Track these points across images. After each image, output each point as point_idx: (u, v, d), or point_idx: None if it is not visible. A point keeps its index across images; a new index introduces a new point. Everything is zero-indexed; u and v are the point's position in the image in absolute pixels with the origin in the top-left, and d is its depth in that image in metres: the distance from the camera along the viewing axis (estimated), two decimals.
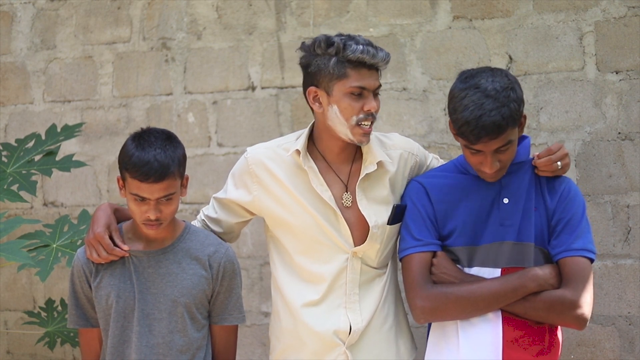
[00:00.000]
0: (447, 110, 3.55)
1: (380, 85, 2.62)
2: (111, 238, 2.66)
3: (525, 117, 2.57)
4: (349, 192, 2.69)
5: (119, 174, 2.63)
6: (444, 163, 2.83)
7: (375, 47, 2.58)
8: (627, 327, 3.41)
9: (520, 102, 2.51)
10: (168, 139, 2.60)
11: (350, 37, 2.59)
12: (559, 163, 2.61)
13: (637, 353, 3.40)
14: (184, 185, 2.65)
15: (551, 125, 3.45)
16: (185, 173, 2.65)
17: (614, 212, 3.40)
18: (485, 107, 2.44)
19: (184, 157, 2.63)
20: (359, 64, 2.56)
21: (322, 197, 2.66)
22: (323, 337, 2.67)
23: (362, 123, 2.59)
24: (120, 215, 2.75)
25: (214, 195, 2.85)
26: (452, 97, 2.53)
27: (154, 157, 2.53)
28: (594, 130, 3.43)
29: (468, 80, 2.52)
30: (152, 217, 2.57)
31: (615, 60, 3.41)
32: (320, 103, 2.63)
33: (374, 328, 2.70)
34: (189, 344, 2.66)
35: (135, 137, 2.59)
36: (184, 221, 2.76)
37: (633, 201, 3.39)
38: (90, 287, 2.69)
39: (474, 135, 2.46)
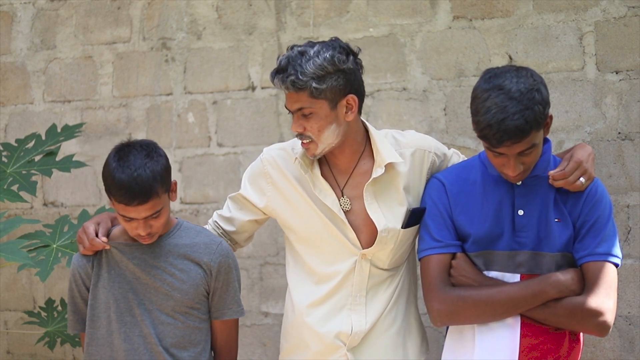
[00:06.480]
0: (447, 110, 3.59)
1: (301, 108, 2.56)
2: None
3: (551, 117, 2.48)
4: (345, 196, 2.68)
5: None
6: (466, 159, 2.76)
7: (281, 72, 2.53)
8: (627, 327, 3.40)
9: (545, 104, 2.41)
10: (148, 155, 2.55)
11: (279, 62, 2.56)
12: (581, 179, 2.51)
13: (637, 353, 3.40)
14: (172, 191, 2.63)
15: (551, 125, 3.44)
16: (173, 178, 2.63)
17: (614, 212, 3.38)
18: (509, 110, 2.34)
19: (167, 169, 2.59)
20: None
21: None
22: (324, 338, 2.67)
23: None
24: (118, 224, 2.74)
25: (229, 195, 2.86)
26: (475, 98, 2.43)
27: (135, 180, 2.49)
28: (594, 130, 3.42)
29: (492, 80, 2.41)
30: (143, 233, 2.58)
31: (615, 60, 3.41)
32: None
33: (379, 331, 2.69)
34: (187, 342, 2.67)
35: (116, 154, 2.57)
36: (176, 218, 2.76)
37: (633, 201, 3.39)
38: (87, 289, 2.69)
39: (496, 139, 2.37)
